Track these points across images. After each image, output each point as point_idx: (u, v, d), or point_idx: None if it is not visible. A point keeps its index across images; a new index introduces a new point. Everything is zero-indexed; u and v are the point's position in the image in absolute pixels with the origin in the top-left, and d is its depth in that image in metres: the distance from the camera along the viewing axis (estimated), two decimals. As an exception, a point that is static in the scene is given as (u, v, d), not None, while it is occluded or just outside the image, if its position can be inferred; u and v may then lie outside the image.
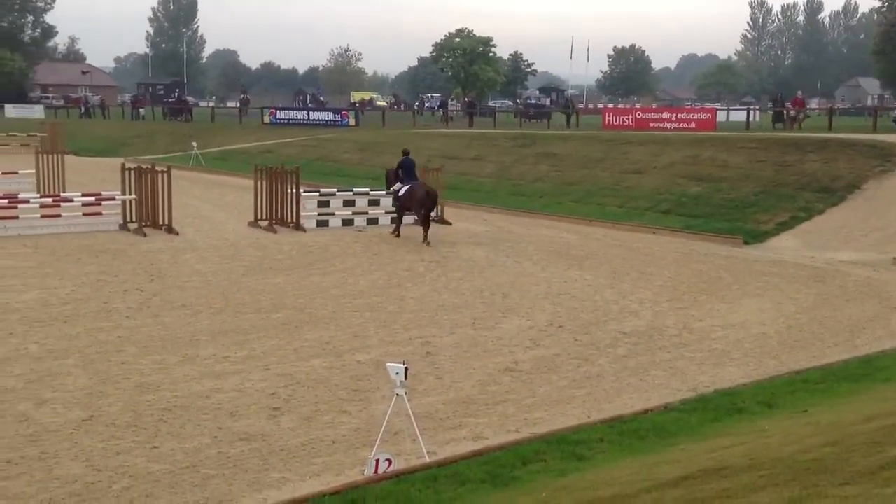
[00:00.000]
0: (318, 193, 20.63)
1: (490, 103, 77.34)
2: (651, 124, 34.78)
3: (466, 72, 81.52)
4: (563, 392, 8.98)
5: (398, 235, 19.13)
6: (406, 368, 6.77)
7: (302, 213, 19.47)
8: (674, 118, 35.18)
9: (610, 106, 72.55)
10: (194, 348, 10.07)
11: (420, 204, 18.17)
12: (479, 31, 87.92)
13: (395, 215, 19.62)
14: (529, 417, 8.20)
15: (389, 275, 14.85)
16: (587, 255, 17.55)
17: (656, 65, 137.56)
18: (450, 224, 20.82)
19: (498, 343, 10.77)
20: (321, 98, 65.51)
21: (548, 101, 73.79)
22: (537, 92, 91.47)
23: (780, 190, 21.85)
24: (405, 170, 19.35)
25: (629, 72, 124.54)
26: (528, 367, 9.78)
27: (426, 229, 18.19)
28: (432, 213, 18.87)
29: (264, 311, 11.99)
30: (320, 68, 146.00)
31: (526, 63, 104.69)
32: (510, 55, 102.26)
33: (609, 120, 37.77)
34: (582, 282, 14.71)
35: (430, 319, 11.85)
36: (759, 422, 7.40)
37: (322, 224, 19.76)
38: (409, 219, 19.80)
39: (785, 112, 38.03)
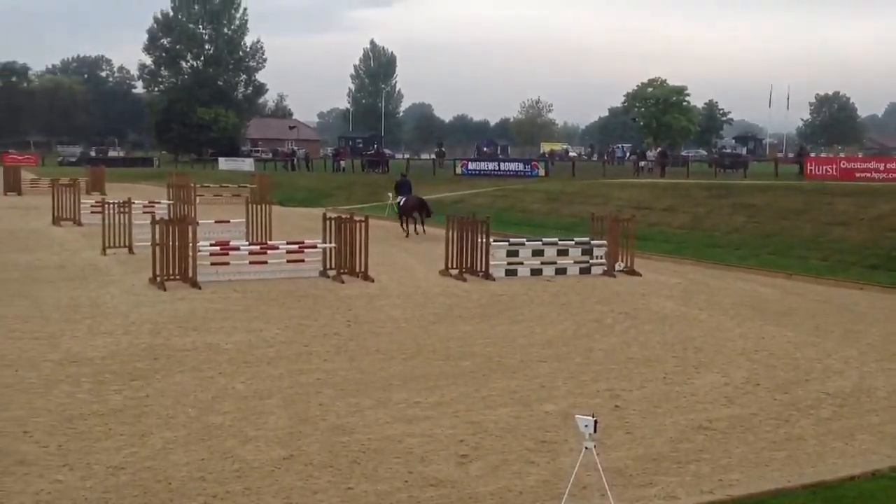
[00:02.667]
0: (507, 243, 20.83)
1: (683, 153, 75.88)
2: (857, 174, 33.01)
3: (658, 121, 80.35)
4: (760, 454, 8.58)
5: (406, 235, 28.15)
6: (596, 421, 6.69)
7: (491, 263, 19.70)
8: (882, 168, 33.25)
9: (812, 155, 69.37)
10: (387, 392, 10.36)
11: (412, 209, 27.70)
12: (673, 79, 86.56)
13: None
14: (725, 479, 7.88)
15: (577, 325, 14.75)
16: (787, 310, 16.76)
17: (862, 112, 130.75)
18: (640, 275, 20.46)
19: (691, 399, 10.44)
20: (485, 149, 66.50)
21: (744, 150, 71.57)
22: (733, 141, 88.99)
23: None
24: (402, 188, 29.35)
25: (832, 120, 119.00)
26: (723, 426, 9.42)
27: (422, 224, 27.75)
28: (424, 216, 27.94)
29: (453, 359, 12.18)
30: (511, 120, 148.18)
31: (721, 111, 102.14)
32: (705, 104, 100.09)
33: (811, 169, 36.18)
34: (781, 338, 14.05)
35: (619, 372, 11.66)
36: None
37: (511, 273, 19.90)
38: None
39: None
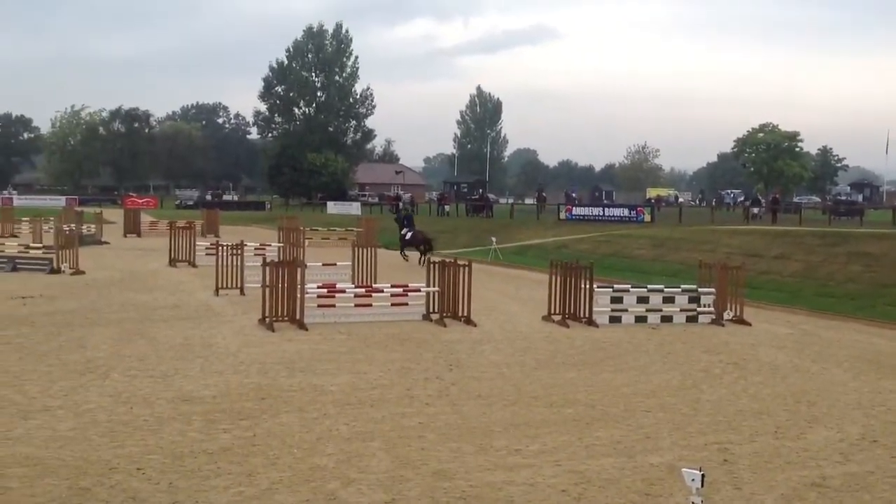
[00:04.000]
0: (611, 289, 20.61)
1: (795, 199, 73.96)
2: (983, 222, 31.50)
3: (770, 167, 78.51)
4: (878, 515, 8.20)
5: (406, 259, 32.81)
6: (703, 475, 6.52)
7: (595, 309, 19.51)
8: None
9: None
10: (488, 438, 10.33)
11: (420, 243, 31.91)
12: (785, 125, 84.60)
13: None
14: (838, 540, 7.54)
15: (684, 375, 14.43)
16: (907, 364, 16.02)
17: None
18: (749, 325, 19.91)
19: (803, 455, 10.06)
20: (573, 195, 66.55)
21: (860, 198, 69.41)
22: (848, 188, 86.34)
23: None
24: (407, 222, 33.62)
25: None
26: (837, 484, 9.03)
27: (424, 254, 31.08)
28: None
29: (556, 406, 12.07)
30: (616, 165, 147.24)
31: (836, 158, 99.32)
32: (818, 150, 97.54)
33: (933, 217, 34.68)
34: (900, 393, 13.43)
35: (727, 424, 11.33)
36: None
37: (615, 320, 19.66)
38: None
39: None
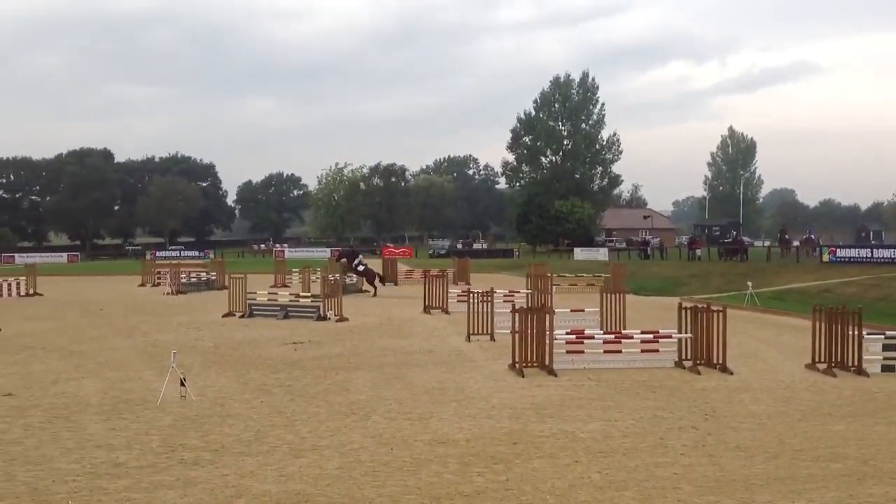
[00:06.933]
0: (883, 336, 19.09)
1: None
2: None
3: None
4: None
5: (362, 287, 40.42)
6: None
7: (865, 357, 18.14)
8: None
9: None
10: (749, 493, 9.85)
11: (371, 277, 38.77)
12: None
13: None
14: None
15: (973, 431, 13.06)
16: None
17: None
18: None
19: None
20: (811, 236, 61.95)
21: None
22: None
23: None
24: (353, 256, 40.78)
25: None
26: None
27: (375, 289, 38.86)
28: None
29: (823, 460, 11.31)
30: (885, 203, 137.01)
31: None
32: None
33: None
34: None
35: None
36: None
37: (888, 369, 18.15)
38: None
39: None
